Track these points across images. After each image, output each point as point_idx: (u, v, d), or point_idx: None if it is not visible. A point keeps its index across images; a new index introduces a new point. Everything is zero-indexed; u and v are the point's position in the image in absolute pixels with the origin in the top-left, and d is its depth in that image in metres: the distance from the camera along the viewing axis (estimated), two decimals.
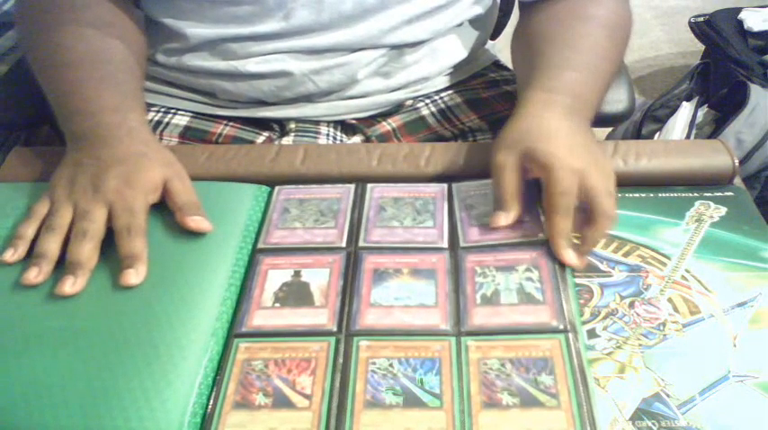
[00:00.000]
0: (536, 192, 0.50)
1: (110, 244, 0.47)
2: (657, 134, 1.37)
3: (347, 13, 0.59)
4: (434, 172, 0.56)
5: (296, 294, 0.45)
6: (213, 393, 0.40)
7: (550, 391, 0.38)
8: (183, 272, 0.46)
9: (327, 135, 0.67)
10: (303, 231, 0.50)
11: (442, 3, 0.62)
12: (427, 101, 0.70)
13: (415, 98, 0.69)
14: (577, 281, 0.46)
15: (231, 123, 0.68)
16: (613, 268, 0.47)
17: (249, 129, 0.67)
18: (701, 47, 1.69)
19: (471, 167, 0.55)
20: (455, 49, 0.68)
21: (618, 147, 0.56)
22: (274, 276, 0.47)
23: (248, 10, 0.59)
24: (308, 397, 0.39)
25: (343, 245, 0.49)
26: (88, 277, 0.45)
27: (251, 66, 0.62)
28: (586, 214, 0.47)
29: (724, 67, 1.49)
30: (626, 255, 0.48)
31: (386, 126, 0.68)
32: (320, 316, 0.44)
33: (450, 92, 0.71)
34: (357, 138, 0.68)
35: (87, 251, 0.45)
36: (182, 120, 0.67)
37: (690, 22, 1.64)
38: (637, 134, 1.39)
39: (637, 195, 0.53)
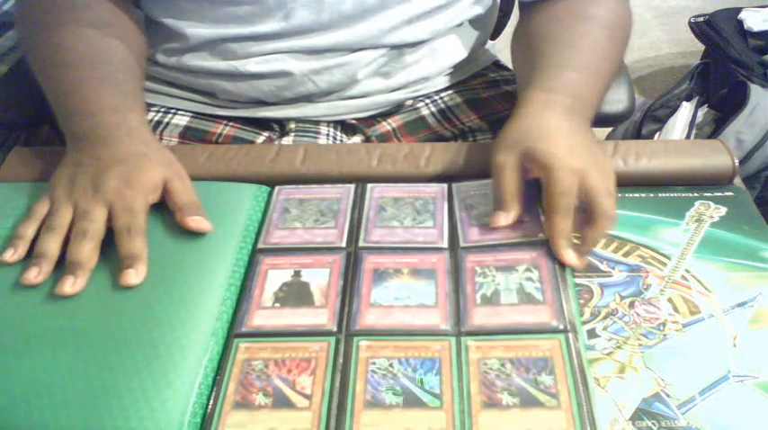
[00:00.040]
0: (536, 193, 0.50)
1: (110, 244, 0.47)
2: (657, 134, 1.37)
3: (347, 13, 0.59)
4: (434, 172, 0.56)
5: (296, 294, 0.45)
6: (213, 393, 0.40)
7: (550, 391, 0.38)
8: (183, 272, 0.46)
9: (327, 135, 0.67)
10: (303, 231, 0.50)
11: (442, 3, 0.62)
12: (427, 101, 0.70)
13: (415, 98, 0.69)
14: (577, 281, 0.46)
15: (231, 123, 0.68)
16: (613, 268, 0.47)
17: (249, 129, 0.67)
18: (701, 47, 1.69)
19: (471, 167, 0.55)
20: (455, 49, 0.68)
21: (618, 147, 0.56)
22: (274, 276, 0.47)
23: (248, 10, 0.59)
24: (308, 397, 0.39)
25: (343, 245, 0.49)
26: (88, 277, 0.45)
27: (251, 66, 0.62)
28: (586, 214, 0.47)
29: (724, 67, 1.49)
30: (626, 255, 0.48)
31: (386, 126, 0.68)
32: (320, 316, 0.44)
33: (450, 92, 0.71)
34: (357, 138, 0.68)
35: (87, 251, 0.45)
36: (182, 120, 0.67)
37: (690, 22, 1.64)
38: (637, 134, 1.39)
39: (637, 195, 0.53)
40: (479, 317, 0.43)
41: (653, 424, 0.37)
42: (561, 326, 0.42)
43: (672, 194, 0.53)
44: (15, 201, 0.52)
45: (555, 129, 0.50)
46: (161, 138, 0.66)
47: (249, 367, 0.41)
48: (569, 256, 0.46)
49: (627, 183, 0.52)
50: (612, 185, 0.48)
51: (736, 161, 0.54)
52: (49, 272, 0.45)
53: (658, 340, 0.42)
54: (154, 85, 0.68)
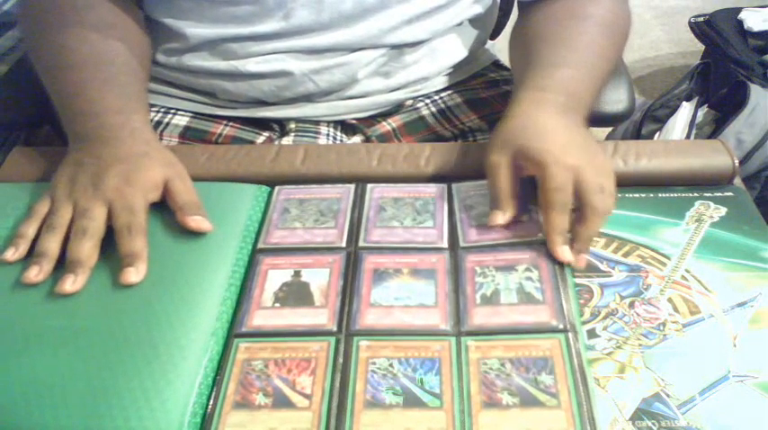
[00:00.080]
0: (534, 192, 0.50)
1: (110, 243, 0.47)
2: (657, 134, 1.37)
3: (347, 12, 0.59)
4: (434, 172, 0.56)
5: (296, 294, 0.45)
6: (213, 393, 0.40)
7: (550, 391, 0.38)
8: (183, 271, 0.46)
9: (327, 135, 0.67)
10: (303, 231, 0.50)
11: (442, 2, 0.62)
12: (427, 101, 0.70)
13: (414, 98, 0.69)
14: (577, 281, 0.46)
15: (231, 123, 0.68)
16: (613, 268, 0.47)
17: (249, 129, 0.67)
18: (700, 47, 1.69)
19: (471, 167, 0.55)
20: (455, 49, 0.68)
21: (618, 147, 0.56)
22: (274, 276, 0.47)
23: (248, 10, 0.59)
24: (308, 397, 0.39)
25: (343, 245, 0.49)
26: (88, 275, 0.45)
27: (251, 66, 0.62)
28: (580, 211, 0.47)
29: (724, 67, 1.49)
30: (626, 255, 0.48)
31: (386, 126, 0.68)
32: (320, 316, 0.44)
33: (449, 92, 0.71)
34: (357, 138, 0.68)
35: (87, 249, 0.45)
36: (182, 120, 0.67)
37: (690, 22, 1.64)
38: (637, 134, 1.39)
39: (637, 195, 0.53)
40: (479, 317, 0.43)
41: (653, 424, 0.37)
42: (561, 326, 0.42)
43: (672, 194, 0.53)
44: (16, 201, 0.52)
45: (549, 127, 0.49)
46: (161, 139, 0.66)
47: (249, 367, 0.41)
48: (564, 253, 0.45)
49: (627, 183, 0.52)
50: (609, 183, 0.48)
51: (736, 161, 0.54)
52: (50, 271, 0.45)
53: (658, 340, 0.42)
54: (154, 85, 0.68)
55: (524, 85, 0.54)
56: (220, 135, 0.67)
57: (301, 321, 0.43)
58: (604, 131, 1.44)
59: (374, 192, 0.54)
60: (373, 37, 0.61)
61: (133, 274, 0.45)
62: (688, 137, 1.32)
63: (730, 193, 0.53)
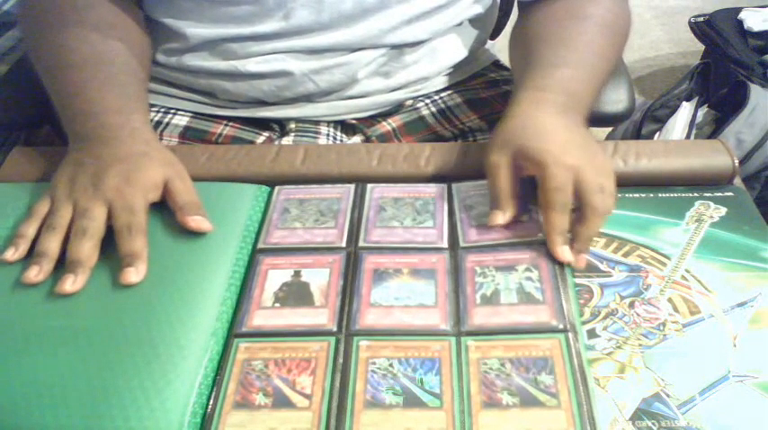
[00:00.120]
0: (534, 192, 0.50)
1: (110, 243, 0.47)
2: (657, 134, 1.37)
3: (347, 12, 0.59)
4: (434, 172, 0.56)
5: (296, 294, 0.45)
6: (213, 393, 0.40)
7: (550, 391, 0.38)
8: (183, 271, 0.46)
9: (327, 135, 0.67)
10: (303, 231, 0.50)
11: (442, 2, 0.62)
12: (427, 101, 0.70)
13: (414, 98, 0.69)
14: (577, 281, 0.46)
15: (231, 123, 0.68)
16: (613, 268, 0.47)
17: (249, 129, 0.67)
18: (700, 47, 1.69)
19: (471, 167, 0.55)
20: (455, 49, 0.68)
21: (618, 147, 0.56)
22: (274, 276, 0.47)
23: (248, 10, 0.59)
24: (308, 397, 0.39)
25: (343, 245, 0.49)
26: (88, 275, 0.45)
27: (251, 66, 0.62)
28: (580, 212, 0.47)
29: (724, 67, 1.49)
30: (626, 255, 0.48)
31: (386, 126, 0.68)
32: (320, 316, 0.44)
33: (449, 92, 0.71)
34: (357, 138, 0.68)
35: (87, 249, 0.45)
36: (182, 120, 0.67)
37: (690, 22, 1.64)
38: (637, 134, 1.39)
39: (637, 195, 0.53)
40: (479, 316, 0.43)
41: (653, 424, 0.37)
42: (561, 326, 0.42)
43: (672, 194, 0.53)
44: (16, 201, 0.52)
45: (548, 127, 0.49)
46: (161, 139, 0.66)
47: (249, 367, 0.41)
48: (564, 253, 0.45)
49: (627, 183, 0.52)
50: (609, 183, 0.48)
51: (736, 161, 0.54)
52: (50, 271, 0.45)
53: (658, 340, 0.42)
54: (154, 85, 0.68)
55: (524, 85, 0.54)
56: (220, 135, 0.67)
57: (301, 321, 0.43)
58: (604, 131, 1.44)
59: (374, 192, 0.54)
60: (373, 37, 0.61)
61: (133, 274, 0.45)
62: (688, 137, 1.32)
63: (730, 193, 0.53)
